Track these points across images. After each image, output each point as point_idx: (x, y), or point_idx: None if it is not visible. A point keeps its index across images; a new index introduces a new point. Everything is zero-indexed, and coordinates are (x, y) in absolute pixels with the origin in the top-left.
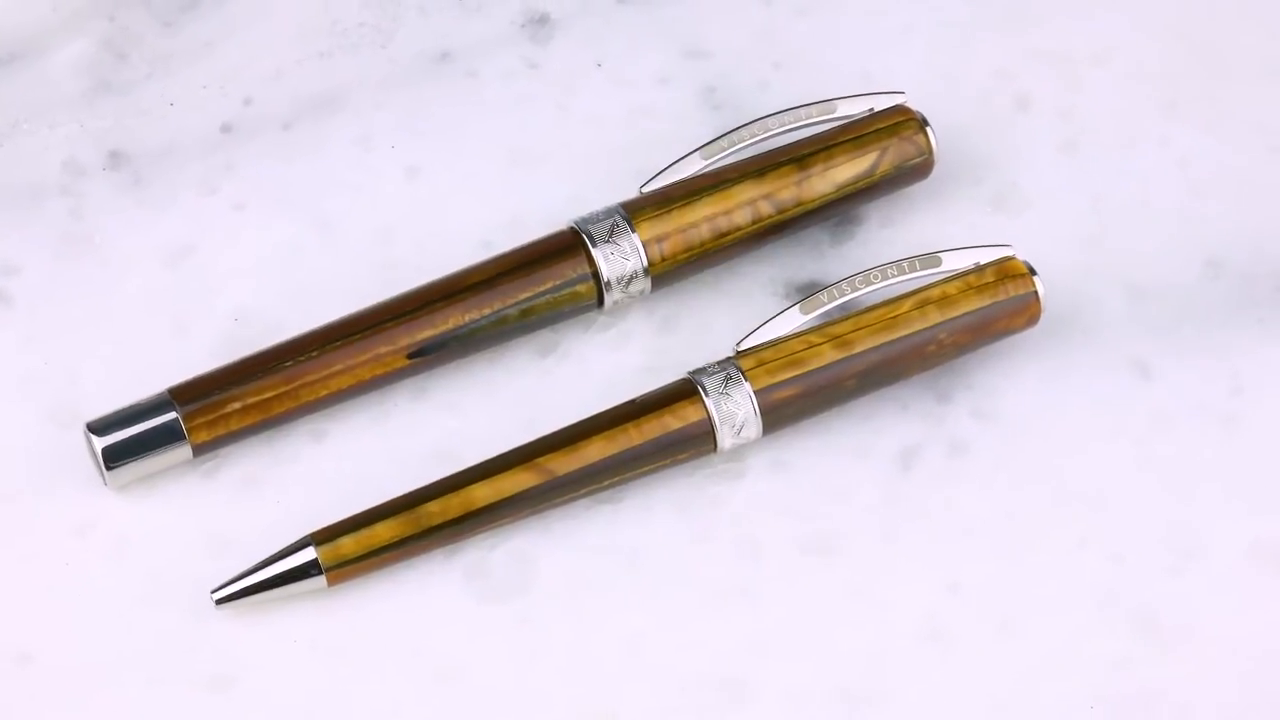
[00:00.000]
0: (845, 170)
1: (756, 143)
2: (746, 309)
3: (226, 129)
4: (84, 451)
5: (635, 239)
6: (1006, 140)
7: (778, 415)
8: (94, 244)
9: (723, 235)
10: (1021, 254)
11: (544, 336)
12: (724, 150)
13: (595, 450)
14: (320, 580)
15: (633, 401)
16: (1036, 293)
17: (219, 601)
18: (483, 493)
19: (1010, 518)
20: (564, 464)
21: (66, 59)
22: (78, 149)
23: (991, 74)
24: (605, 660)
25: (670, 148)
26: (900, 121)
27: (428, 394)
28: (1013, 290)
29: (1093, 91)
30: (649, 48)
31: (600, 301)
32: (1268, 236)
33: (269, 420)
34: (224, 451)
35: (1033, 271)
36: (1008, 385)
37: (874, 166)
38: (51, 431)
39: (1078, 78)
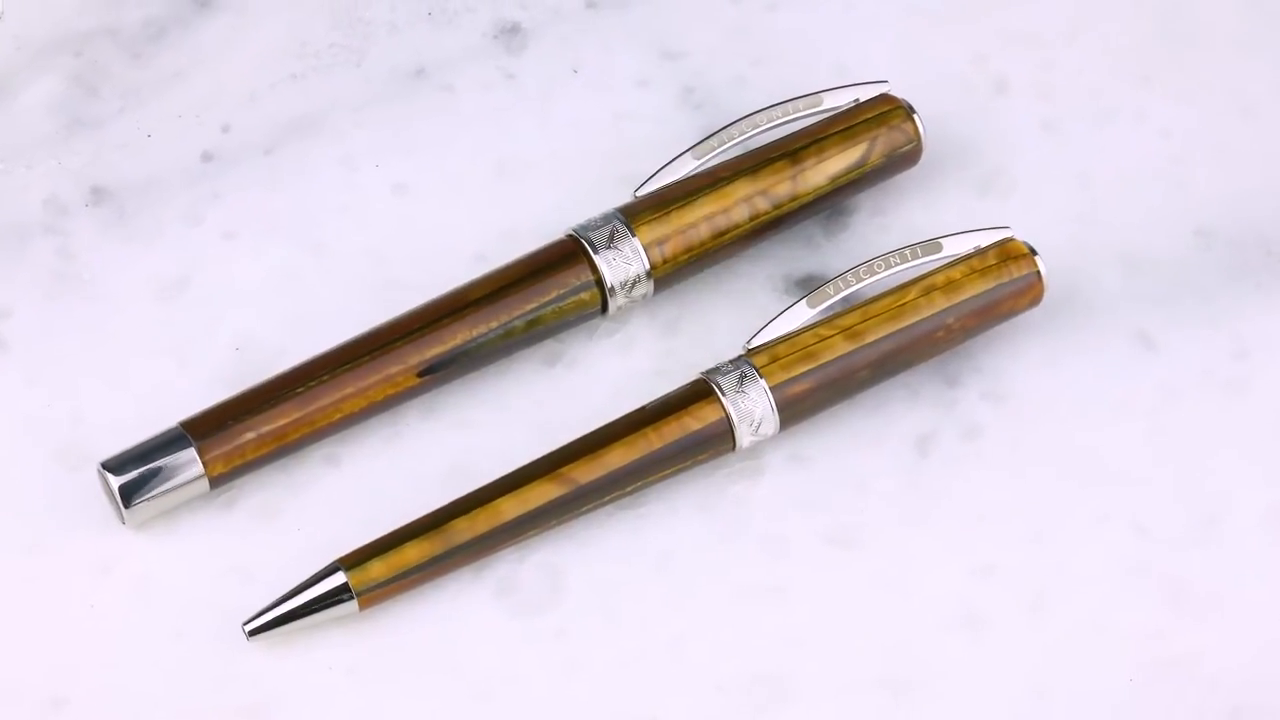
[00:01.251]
0: (838, 162)
1: (746, 140)
2: (748, 306)
3: (207, 158)
4: (98, 491)
5: (636, 243)
6: (988, 124)
7: (794, 410)
8: (85, 281)
9: (722, 234)
10: (1019, 235)
11: (549, 346)
12: (714, 149)
13: (617, 457)
14: (352, 605)
15: (649, 406)
16: (1039, 272)
17: (251, 633)
18: (509, 506)
19: (1030, 497)
20: (587, 472)
21: (36, 97)
22: (58, 187)
23: (966, 59)
24: (643, 666)
25: (654, 149)
26: (888, 110)
27: (437, 412)
28: (1015, 271)
29: (1067, 70)
30: (623, 51)
31: (604, 308)
32: (1253, 202)
33: (284, 448)
34: (239, 481)
35: (1033, 251)
36: (1015, 366)
37: (865, 156)
38: (62, 474)
39: (1051, 57)
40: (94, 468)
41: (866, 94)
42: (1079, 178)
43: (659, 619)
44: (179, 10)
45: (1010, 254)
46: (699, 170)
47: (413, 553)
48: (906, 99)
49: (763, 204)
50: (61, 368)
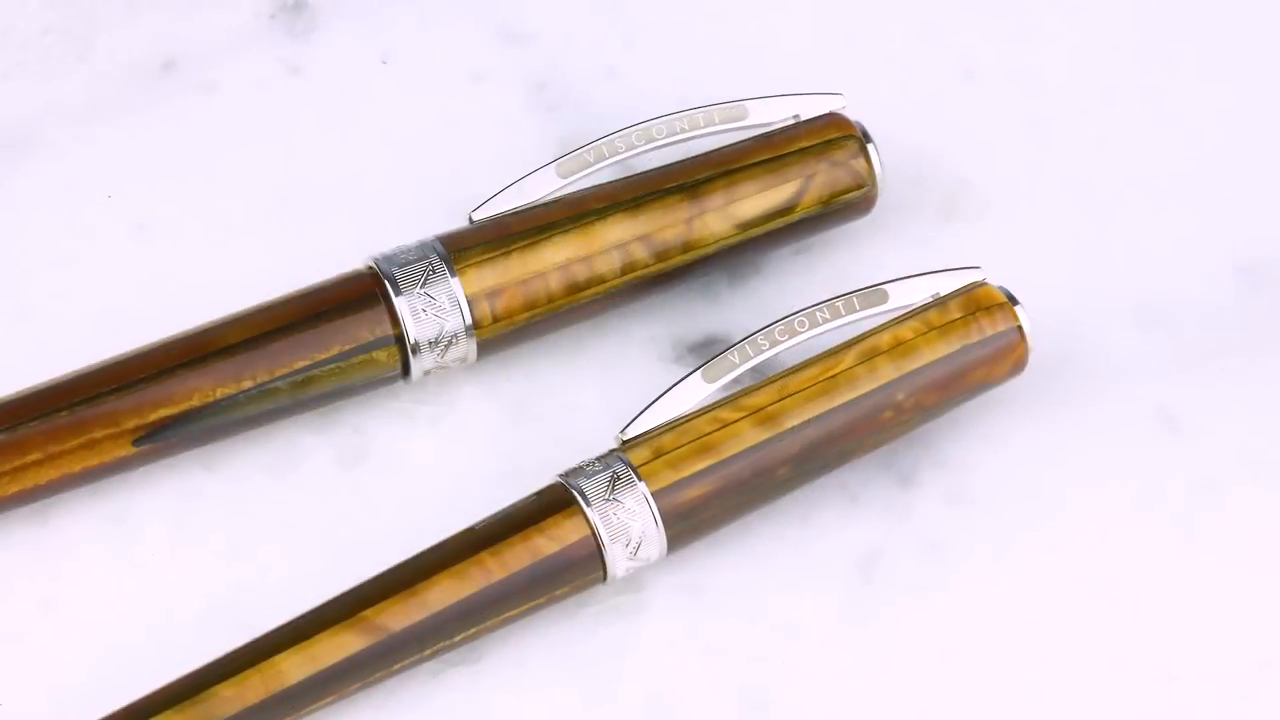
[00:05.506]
0: (754, 203)
1: (632, 156)
2: (622, 380)
3: None
4: None
5: (455, 287)
6: (942, 120)
7: (687, 524)
8: None
9: (579, 290)
10: (994, 276)
11: (345, 438)
12: (588, 166)
13: (442, 594)
14: None
15: (487, 521)
16: (1020, 328)
17: None
18: (293, 665)
19: (1011, 637)
20: (401, 616)
21: None
22: None
23: (907, 33)
24: None
25: (495, 167)
26: (834, 138)
27: (180, 516)
28: (988, 327)
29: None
30: (450, 34)
31: (405, 370)
32: None
33: None
34: None
35: (1013, 300)
36: (989, 458)
37: (795, 199)
38: None
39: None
40: None
41: (811, 109)
42: (1073, 191)
43: None
44: None
45: (981, 303)
46: (560, 194)
47: None
48: (820, 84)
49: (642, 253)
50: None
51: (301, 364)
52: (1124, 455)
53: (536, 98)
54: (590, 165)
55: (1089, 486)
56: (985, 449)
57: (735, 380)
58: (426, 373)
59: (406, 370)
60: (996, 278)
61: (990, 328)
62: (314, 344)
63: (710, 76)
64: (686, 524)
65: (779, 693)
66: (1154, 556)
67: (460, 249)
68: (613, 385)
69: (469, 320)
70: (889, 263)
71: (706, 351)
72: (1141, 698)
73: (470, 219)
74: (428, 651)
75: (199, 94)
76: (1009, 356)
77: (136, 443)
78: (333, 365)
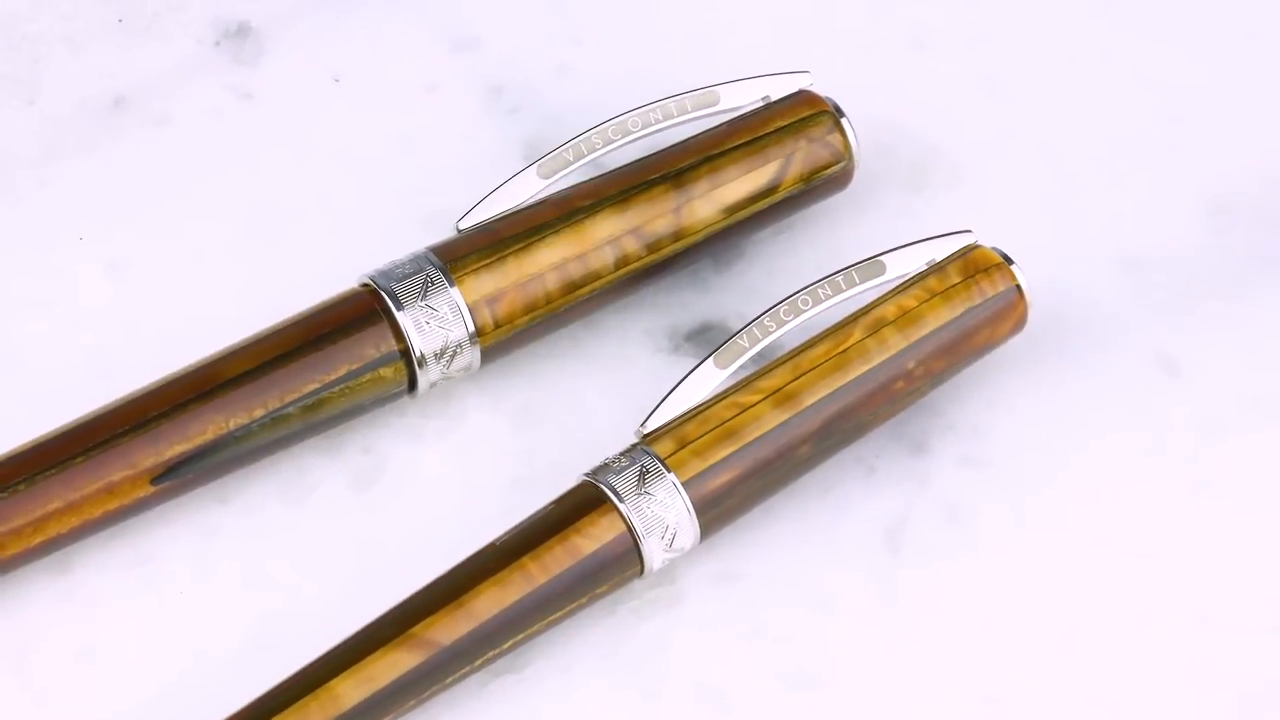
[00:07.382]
0: (738, 187)
1: (610, 152)
2: (623, 376)
3: None
4: None
5: (455, 296)
6: (906, 92)
7: (718, 510)
8: None
9: (576, 288)
10: (986, 239)
11: (357, 460)
12: (568, 165)
13: (487, 603)
14: None
15: (519, 527)
16: (1019, 287)
17: None
18: (349, 688)
19: (1040, 593)
20: (449, 629)
21: None
22: None
23: (864, 9)
24: None
25: (461, 177)
26: (808, 116)
27: (202, 552)
28: (989, 288)
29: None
30: (400, 46)
31: (412, 385)
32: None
33: None
34: None
35: (1008, 260)
36: (997, 417)
37: (777, 179)
38: None
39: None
40: None
41: (780, 88)
42: (1039, 149)
43: None
44: None
45: (979, 265)
46: (545, 196)
47: None
48: (783, 66)
49: (634, 246)
50: None
51: (311, 387)
52: (1129, 402)
53: (495, 102)
54: (570, 164)
55: (1098, 436)
56: (991, 410)
57: (746, 364)
58: (432, 385)
59: (413, 384)
60: (986, 240)
61: (990, 289)
62: (321, 366)
63: (664, 65)
64: (716, 510)
65: (824, 670)
66: (1169, 499)
67: (455, 258)
68: (614, 382)
69: (472, 328)
70: (870, 236)
71: (703, 339)
72: (1175, 641)
73: (457, 228)
74: (478, 662)
75: (153, 128)
76: (1010, 315)
77: (155, 481)
78: (341, 386)
